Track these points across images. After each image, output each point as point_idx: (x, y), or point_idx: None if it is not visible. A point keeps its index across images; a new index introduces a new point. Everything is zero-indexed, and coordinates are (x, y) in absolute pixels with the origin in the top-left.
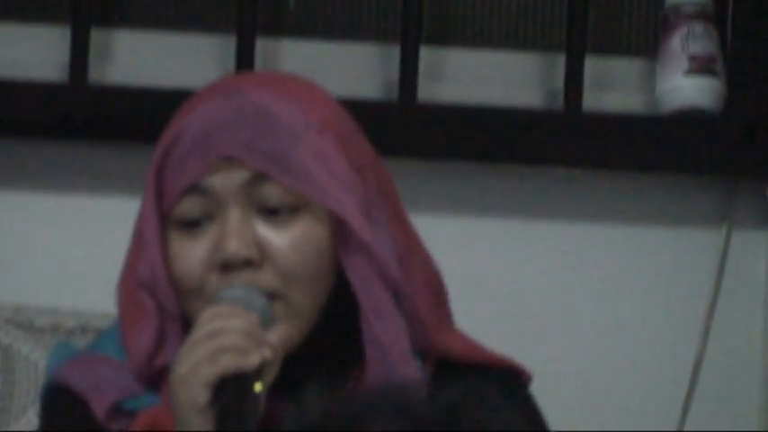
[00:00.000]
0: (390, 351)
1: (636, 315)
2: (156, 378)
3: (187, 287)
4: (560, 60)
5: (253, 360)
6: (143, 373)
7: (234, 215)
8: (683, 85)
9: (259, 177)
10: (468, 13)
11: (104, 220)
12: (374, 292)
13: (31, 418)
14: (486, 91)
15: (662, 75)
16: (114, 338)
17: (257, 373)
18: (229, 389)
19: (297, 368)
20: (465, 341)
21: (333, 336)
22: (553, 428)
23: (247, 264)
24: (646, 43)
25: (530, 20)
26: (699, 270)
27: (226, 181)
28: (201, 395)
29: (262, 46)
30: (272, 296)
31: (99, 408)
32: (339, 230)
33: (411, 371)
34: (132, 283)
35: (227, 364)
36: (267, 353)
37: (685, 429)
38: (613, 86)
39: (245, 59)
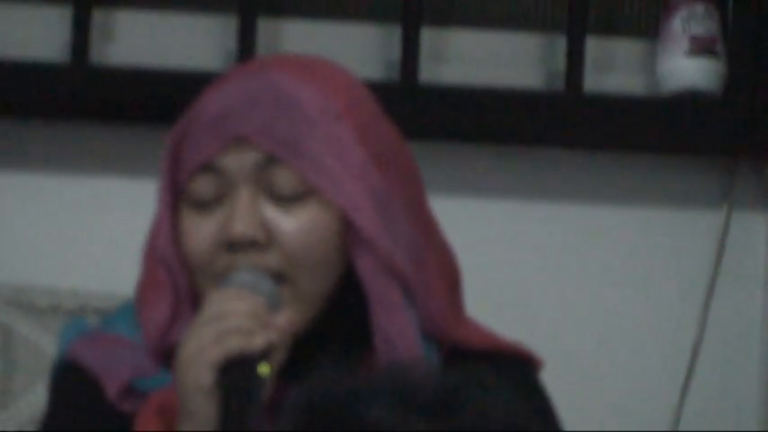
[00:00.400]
0: (397, 342)
1: (635, 295)
2: (169, 356)
3: (196, 264)
4: (561, 41)
5: (258, 342)
6: (157, 350)
7: (243, 196)
8: (684, 67)
9: (270, 161)
10: None
11: (105, 200)
12: (381, 285)
13: (31, 399)
14: (487, 72)
15: (663, 56)
16: (127, 317)
17: (263, 356)
18: (235, 370)
19: (305, 354)
20: (476, 329)
21: (343, 324)
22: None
23: (253, 245)
24: (647, 24)
25: (531, 1)
26: (699, 251)
27: (238, 162)
28: (207, 376)
29: (264, 26)
30: (278, 278)
31: (111, 387)
32: (348, 220)
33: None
34: (151, 259)
35: (233, 345)
36: (273, 335)
37: (684, 410)
38: (614, 68)
39: (246, 40)
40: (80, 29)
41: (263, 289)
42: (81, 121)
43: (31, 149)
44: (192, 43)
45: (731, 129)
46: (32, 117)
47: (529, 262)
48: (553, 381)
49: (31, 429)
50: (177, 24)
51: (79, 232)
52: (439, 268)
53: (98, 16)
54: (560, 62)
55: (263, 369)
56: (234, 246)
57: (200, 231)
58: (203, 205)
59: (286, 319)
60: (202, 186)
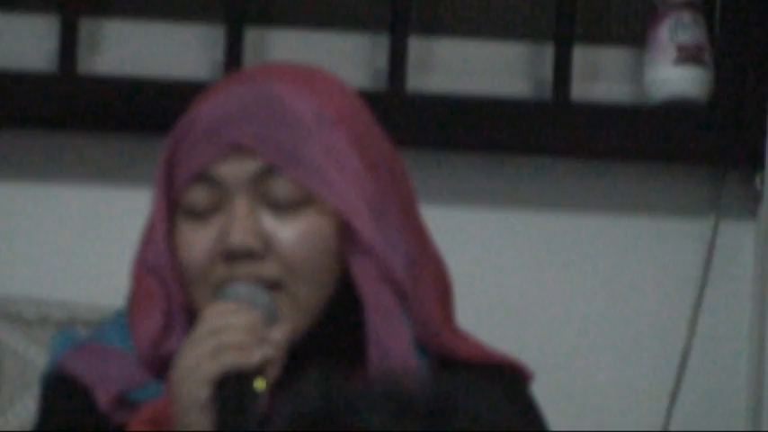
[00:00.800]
0: (392, 349)
1: (623, 304)
2: (161, 366)
3: (192, 275)
4: (549, 50)
5: (255, 358)
6: (149, 361)
7: (240, 205)
8: (672, 75)
9: (268, 169)
10: (457, 2)
11: (93, 210)
12: (378, 293)
13: (19, 411)
14: (474, 81)
15: (650, 64)
16: (118, 327)
17: (259, 371)
18: (230, 386)
19: (298, 363)
20: (467, 341)
21: (337, 332)
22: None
23: (251, 254)
24: (634, 33)
25: (518, 10)
26: (687, 260)
27: (234, 171)
28: (202, 391)
29: (251, 36)
30: (274, 287)
31: (102, 397)
32: (345, 228)
33: (411, 368)
34: (142, 269)
35: (229, 361)
36: (269, 351)
37: (673, 416)
38: (602, 76)
39: (234, 49)
40: (67, 38)
41: (259, 302)
42: (69, 130)
43: (18, 159)
44: (179, 52)
45: (719, 137)
46: (20, 127)
47: (517, 270)
48: (543, 388)
49: None
50: (164, 34)
51: (68, 243)
52: (432, 277)
53: (85, 25)
54: (548, 71)
55: (259, 384)
56: (232, 256)
57: (197, 242)
58: (199, 215)
59: (282, 333)
60: (198, 196)
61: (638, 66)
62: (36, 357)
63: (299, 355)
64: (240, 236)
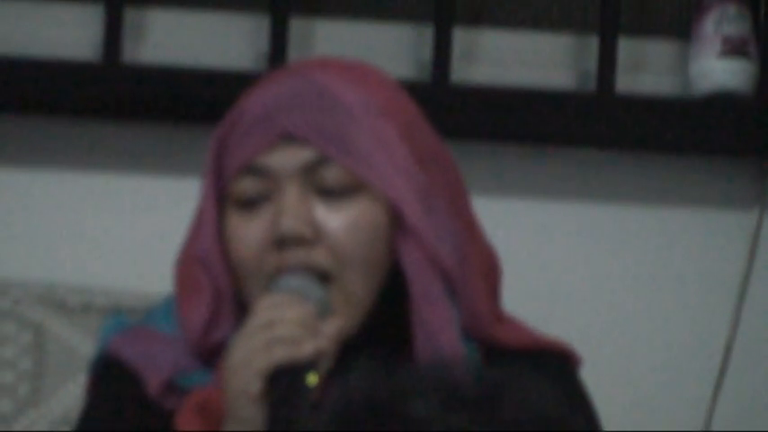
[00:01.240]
0: (439, 337)
1: (667, 297)
2: (209, 354)
3: (244, 266)
4: (593, 42)
5: (307, 351)
6: (198, 348)
7: (291, 193)
8: (716, 68)
9: (319, 158)
10: None
11: (135, 199)
12: (425, 279)
13: (62, 398)
14: (518, 72)
15: (695, 57)
16: (167, 313)
17: (311, 365)
18: (283, 379)
19: (346, 353)
20: (516, 327)
21: (386, 323)
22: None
23: (302, 241)
24: (679, 25)
25: (563, 1)
26: (731, 252)
27: (285, 160)
28: (254, 384)
29: (296, 26)
30: (325, 278)
31: (152, 382)
32: (395, 216)
33: (459, 356)
34: (190, 260)
35: (282, 354)
36: (322, 344)
37: (716, 410)
38: (646, 68)
39: (278, 40)
40: (112, 28)
41: (312, 295)
42: (113, 119)
43: (64, 148)
44: (223, 43)
45: (763, 130)
46: (65, 115)
47: (561, 262)
48: (585, 381)
49: (62, 428)
50: (209, 23)
51: (111, 231)
52: (480, 266)
53: (130, 15)
54: (592, 63)
55: (311, 378)
56: (282, 243)
57: (249, 232)
58: (249, 205)
59: (335, 327)
60: (248, 186)
61: (683, 58)
62: (80, 345)
63: (350, 347)
64: (291, 222)
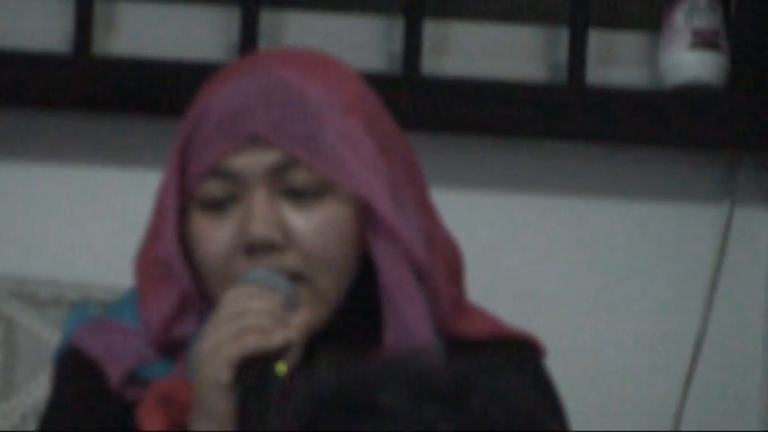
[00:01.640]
0: (412, 332)
1: (637, 290)
2: (171, 348)
3: (212, 271)
4: (564, 34)
5: (276, 341)
6: (159, 342)
7: (259, 197)
8: (687, 60)
9: (287, 160)
10: None
11: (107, 191)
12: (399, 273)
13: (33, 390)
14: (489, 64)
15: (665, 49)
16: (130, 306)
17: (280, 355)
18: (252, 369)
19: (314, 346)
20: (480, 318)
21: (355, 318)
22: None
23: (272, 246)
24: (649, 17)
25: None
26: (701, 245)
27: (252, 163)
28: (224, 374)
29: (266, 18)
30: (296, 278)
31: (113, 374)
32: (365, 213)
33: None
34: (152, 258)
35: (251, 343)
36: (291, 334)
37: (686, 405)
38: (617, 60)
39: (249, 32)
40: (83, 19)
41: (280, 287)
42: (83, 111)
43: (32, 140)
44: (194, 34)
45: (734, 122)
46: (35, 108)
47: (530, 255)
48: (556, 372)
49: (33, 420)
50: (180, 15)
51: (81, 224)
52: (444, 256)
53: (100, 7)
54: (563, 54)
55: (280, 367)
56: (252, 249)
57: (216, 235)
58: (215, 208)
59: (303, 319)
60: (215, 188)
61: (654, 50)
62: (50, 337)
63: (318, 340)
64: (260, 228)
